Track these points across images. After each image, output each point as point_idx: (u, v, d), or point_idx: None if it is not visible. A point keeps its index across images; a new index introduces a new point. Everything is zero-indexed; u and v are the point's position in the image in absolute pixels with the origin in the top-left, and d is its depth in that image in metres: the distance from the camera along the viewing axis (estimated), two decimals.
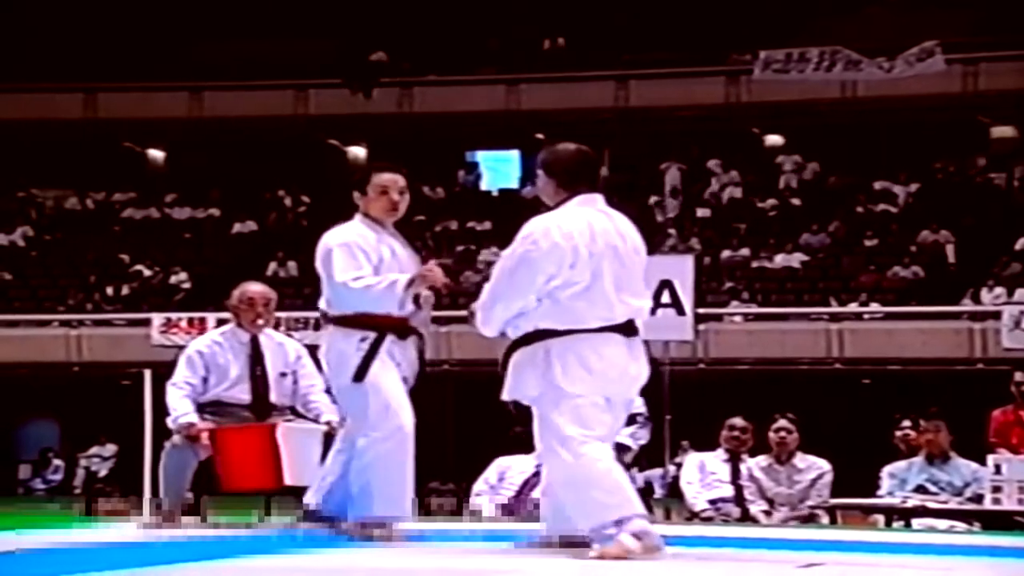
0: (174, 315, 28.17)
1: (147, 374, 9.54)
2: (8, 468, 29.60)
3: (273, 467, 8.36)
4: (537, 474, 10.46)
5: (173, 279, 31.32)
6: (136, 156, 35.34)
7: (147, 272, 31.70)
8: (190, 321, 27.01)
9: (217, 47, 33.31)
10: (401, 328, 7.29)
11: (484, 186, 34.48)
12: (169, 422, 8.68)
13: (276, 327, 9.46)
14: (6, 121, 32.58)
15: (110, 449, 28.49)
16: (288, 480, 8.39)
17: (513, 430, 7.75)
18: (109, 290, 31.38)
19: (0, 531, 7.68)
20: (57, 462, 29.64)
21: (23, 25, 33.03)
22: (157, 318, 28.43)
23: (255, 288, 8.97)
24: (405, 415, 7.32)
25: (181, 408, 8.60)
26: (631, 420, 10.93)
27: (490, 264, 24.02)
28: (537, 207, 6.85)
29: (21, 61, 32.77)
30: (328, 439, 8.19)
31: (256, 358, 8.74)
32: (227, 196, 33.47)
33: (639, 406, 11.01)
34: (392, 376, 7.26)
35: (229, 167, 33.43)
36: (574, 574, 6.22)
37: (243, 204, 33.28)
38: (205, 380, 8.69)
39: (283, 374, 8.76)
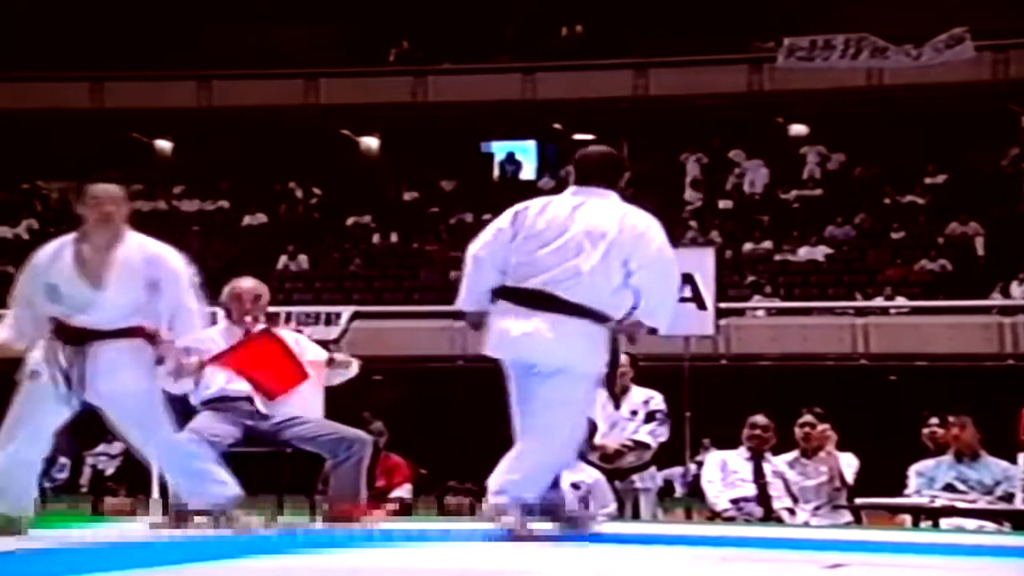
0: None
1: None
2: None
3: (292, 361, 8.79)
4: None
5: None
6: (143, 147, 35.41)
7: None
8: None
9: (226, 35, 33.35)
10: None
11: (524, 176, 34.37)
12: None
13: (286, 322, 9.56)
14: (10, 111, 32.61)
15: (117, 447, 28.42)
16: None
17: None
18: None
19: None
20: (63, 460, 29.60)
21: (27, 13, 33.10)
22: None
23: (244, 284, 9.16)
24: None
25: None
26: (650, 417, 10.96)
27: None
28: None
29: (26, 50, 32.82)
30: None
31: None
32: (236, 188, 33.52)
33: (658, 403, 11.02)
34: None
35: (238, 158, 33.47)
36: (592, 569, 6.23)
37: (253, 196, 33.33)
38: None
39: None
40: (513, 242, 7.34)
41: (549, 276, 7.22)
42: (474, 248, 7.49)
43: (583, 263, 7.20)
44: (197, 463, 7.80)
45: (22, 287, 7.66)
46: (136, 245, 7.60)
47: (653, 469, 11.18)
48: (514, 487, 7.29)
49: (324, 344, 9.73)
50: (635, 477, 11.03)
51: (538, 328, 7.21)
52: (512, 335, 7.27)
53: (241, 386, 8.77)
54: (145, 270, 7.53)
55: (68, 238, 7.66)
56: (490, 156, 34.94)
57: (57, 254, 7.61)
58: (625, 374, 11.09)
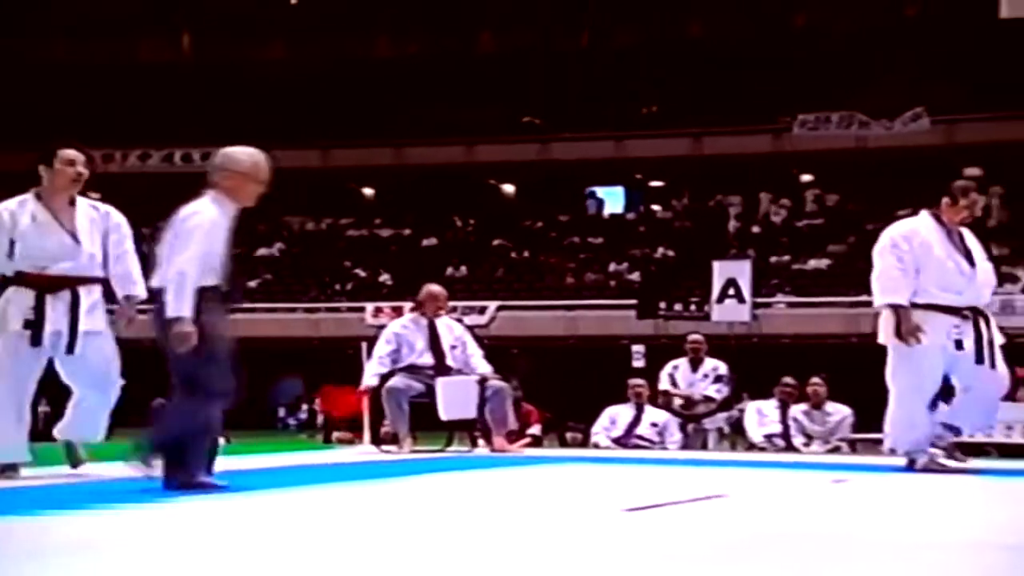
0: (381, 304, 28.45)
1: (363, 346, 9.66)
2: (271, 410, 30.08)
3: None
4: (638, 418, 10.49)
5: (380, 279, 31.63)
6: (355, 193, 35.75)
7: (362, 274, 32.04)
8: (393, 308, 27.19)
9: (413, 114, 33.53)
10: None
11: (606, 212, 34.31)
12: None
13: (452, 311, 9.61)
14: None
15: None
16: (443, 415, 8.52)
17: None
18: (337, 286, 31.78)
19: (266, 453, 7.81)
20: (304, 406, 30.03)
21: (271, 100, 33.56)
22: (370, 306, 28.72)
23: (435, 288, 9.26)
24: None
25: (368, 372, 8.87)
26: (718, 379, 10.94)
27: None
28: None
29: (274, 128, 33.25)
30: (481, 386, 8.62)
31: (434, 336, 8.87)
32: (417, 220, 33.72)
33: (723, 370, 11.01)
34: None
35: (419, 199, 33.67)
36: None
37: (429, 226, 33.51)
38: (398, 351, 8.82)
39: (454, 346, 8.89)
40: None
41: None
42: None
43: None
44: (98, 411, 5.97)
45: None
46: (89, 203, 5.96)
47: (718, 415, 11.14)
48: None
49: (478, 327, 9.70)
50: (705, 421, 10.99)
51: None
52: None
53: (426, 360, 8.82)
54: (101, 222, 5.91)
55: (25, 197, 5.82)
56: (593, 193, 34.84)
57: (17, 214, 5.75)
58: (701, 348, 11.08)
